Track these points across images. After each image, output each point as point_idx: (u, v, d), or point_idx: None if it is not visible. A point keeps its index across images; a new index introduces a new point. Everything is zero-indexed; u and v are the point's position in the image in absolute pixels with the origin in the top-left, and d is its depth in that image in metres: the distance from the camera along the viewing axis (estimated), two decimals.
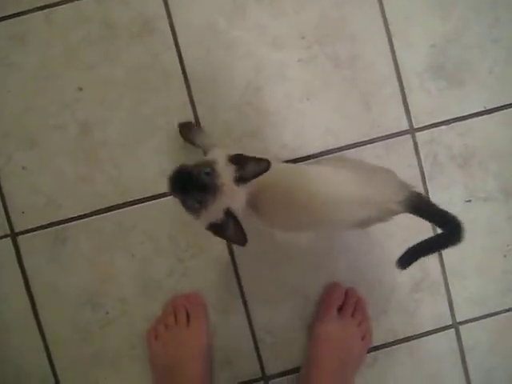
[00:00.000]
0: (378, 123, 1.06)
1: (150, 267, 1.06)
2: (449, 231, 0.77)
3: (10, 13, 1.05)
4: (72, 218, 1.06)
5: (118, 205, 1.06)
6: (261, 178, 0.74)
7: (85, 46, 1.05)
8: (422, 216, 0.78)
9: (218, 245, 1.06)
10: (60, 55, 1.05)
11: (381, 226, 0.83)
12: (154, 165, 1.05)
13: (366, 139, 1.06)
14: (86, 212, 1.06)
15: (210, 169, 0.73)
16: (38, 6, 1.04)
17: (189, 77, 1.05)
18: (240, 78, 1.05)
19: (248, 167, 0.73)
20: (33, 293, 1.06)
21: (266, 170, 0.73)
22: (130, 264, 1.06)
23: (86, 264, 1.06)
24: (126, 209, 1.06)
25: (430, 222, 0.80)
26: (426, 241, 0.79)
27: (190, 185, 0.72)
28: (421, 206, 0.78)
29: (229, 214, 0.74)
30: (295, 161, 1.05)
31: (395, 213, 0.78)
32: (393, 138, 1.06)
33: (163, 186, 1.01)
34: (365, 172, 0.83)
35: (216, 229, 0.75)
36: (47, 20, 1.05)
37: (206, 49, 1.05)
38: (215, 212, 0.73)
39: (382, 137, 1.06)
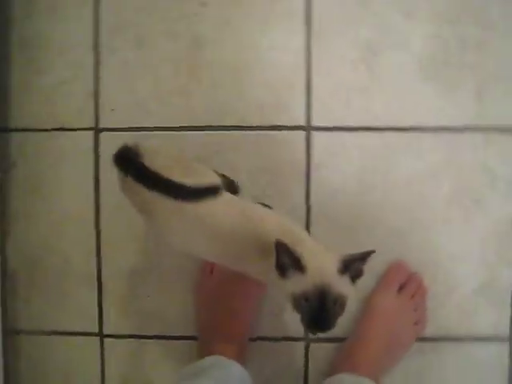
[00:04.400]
0: (485, 114, 1.03)
1: None
2: None
3: None
4: (158, 127, 1.05)
5: (208, 126, 1.04)
6: None
7: None
8: None
9: (297, 197, 1.04)
10: None
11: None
12: (255, 97, 1.03)
13: (467, 125, 1.03)
14: (173, 125, 1.05)
15: None
16: None
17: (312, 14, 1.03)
18: (362, 37, 1.03)
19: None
20: None
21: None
22: None
23: None
24: (215, 132, 1.04)
25: None
26: None
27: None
28: None
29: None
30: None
31: None
32: (497, 132, 1.03)
33: (257, 119, 1.04)
34: None
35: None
36: None
37: None
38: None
39: (484, 128, 1.03)
